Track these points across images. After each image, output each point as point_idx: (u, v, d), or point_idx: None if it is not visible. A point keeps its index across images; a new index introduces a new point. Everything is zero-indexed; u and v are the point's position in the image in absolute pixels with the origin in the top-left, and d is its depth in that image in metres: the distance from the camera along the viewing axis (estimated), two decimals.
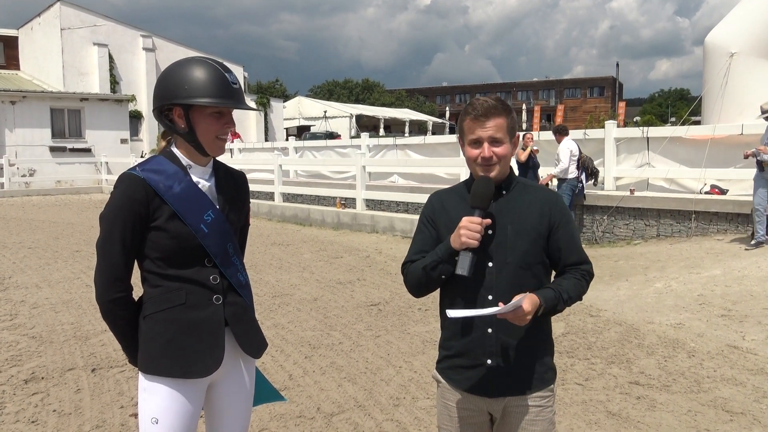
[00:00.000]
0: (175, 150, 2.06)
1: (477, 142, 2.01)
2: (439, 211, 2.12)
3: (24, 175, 24.38)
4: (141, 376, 2.04)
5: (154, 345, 2.00)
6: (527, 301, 1.88)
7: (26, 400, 4.22)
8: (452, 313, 1.95)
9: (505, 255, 2.00)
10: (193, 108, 1.98)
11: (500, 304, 1.93)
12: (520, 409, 2.04)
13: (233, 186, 2.16)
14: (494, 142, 1.99)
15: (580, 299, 2.09)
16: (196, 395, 2.05)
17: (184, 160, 2.05)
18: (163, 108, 2.01)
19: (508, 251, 2.00)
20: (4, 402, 4.19)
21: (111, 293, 1.99)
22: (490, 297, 2.00)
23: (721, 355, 4.88)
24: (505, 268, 2.00)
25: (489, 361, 2.03)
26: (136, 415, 3.98)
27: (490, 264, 2.01)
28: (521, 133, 10.81)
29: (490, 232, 2.01)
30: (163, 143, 2.11)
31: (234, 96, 1.99)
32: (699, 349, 5.02)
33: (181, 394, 2.00)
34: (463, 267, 1.94)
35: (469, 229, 1.93)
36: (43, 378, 4.62)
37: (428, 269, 2.01)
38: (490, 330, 2.01)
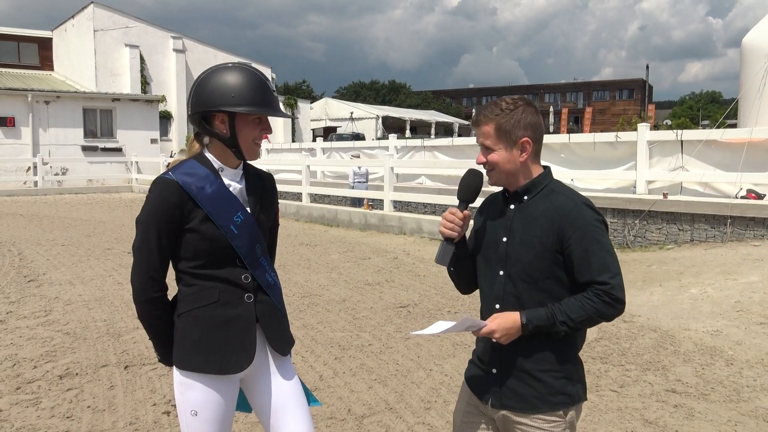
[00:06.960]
0: (207, 153, 2.10)
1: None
2: (484, 209, 2.13)
3: (57, 174, 24.82)
4: (176, 372, 2.09)
5: (188, 342, 2.05)
6: (497, 321, 1.86)
7: (61, 396, 4.27)
8: (420, 332, 1.96)
9: (512, 265, 1.94)
10: (237, 114, 2.02)
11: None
12: (523, 428, 1.95)
13: (261, 187, 2.20)
14: (485, 149, 1.97)
15: (592, 321, 1.86)
16: (230, 389, 2.11)
17: (216, 163, 2.09)
18: (205, 113, 2.04)
19: (514, 262, 1.94)
20: (40, 397, 4.25)
21: (147, 293, 2.04)
22: (497, 306, 1.97)
23: (760, 364, 4.75)
24: (511, 279, 1.95)
25: (494, 371, 1.99)
26: (168, 413, 4.01)
27: (501, 273, 1.97)
28: None
29: (504, 239, 1.96)
30: (196, 146, 2.13)
31: (273, 104, 2.09)
32: (737, 357, 4.90)
33: (216, 388, 2.06)
34: (438, 256, 1.99)
35: (446, 219, 1.96)
36: (77, 374, 4.67)
37: None
38: (494, 339, 1.94)
